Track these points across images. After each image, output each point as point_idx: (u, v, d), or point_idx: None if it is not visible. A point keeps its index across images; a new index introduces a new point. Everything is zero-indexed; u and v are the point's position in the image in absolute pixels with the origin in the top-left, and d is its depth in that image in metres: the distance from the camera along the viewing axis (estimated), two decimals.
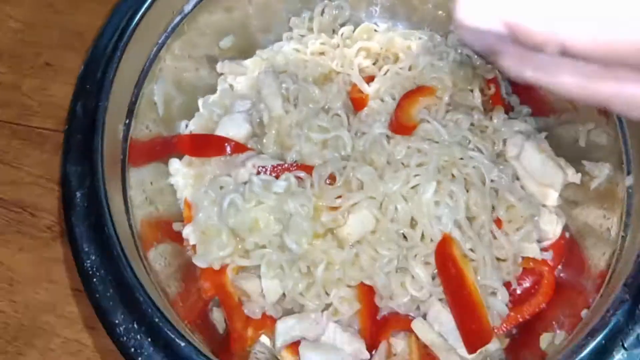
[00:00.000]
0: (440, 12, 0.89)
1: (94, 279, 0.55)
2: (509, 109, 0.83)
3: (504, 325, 0.65)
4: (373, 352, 0.67)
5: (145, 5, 0.71)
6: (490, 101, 0.84)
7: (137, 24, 0.70)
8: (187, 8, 0.77)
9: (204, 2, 0.78)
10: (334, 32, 0.89)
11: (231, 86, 0.86)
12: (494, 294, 0.65)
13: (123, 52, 0.69)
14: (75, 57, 0.91)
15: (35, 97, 0.88)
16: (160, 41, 0.75)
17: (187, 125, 0.82)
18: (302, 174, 0.70)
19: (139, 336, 0.51)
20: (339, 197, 0.66)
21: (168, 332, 0.51)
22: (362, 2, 0.91)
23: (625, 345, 0.49)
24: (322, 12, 0.89)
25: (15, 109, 0.87)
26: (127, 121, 0.69)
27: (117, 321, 0.52)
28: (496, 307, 0.64)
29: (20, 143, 0.84)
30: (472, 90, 0.82)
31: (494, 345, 0.63)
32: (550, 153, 0.74)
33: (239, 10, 0.84)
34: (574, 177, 0.71)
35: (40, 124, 0.86)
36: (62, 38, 0.95)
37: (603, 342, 0.49)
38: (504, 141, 0.76)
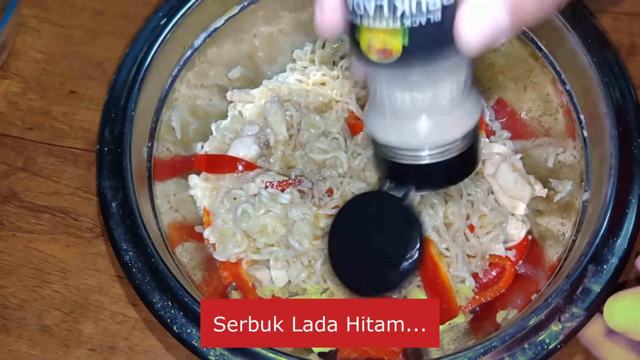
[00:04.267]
0: None
1: (133, 269, 0.73)
2: (491, 134, 0.99)
3: (469, 305, 0.86)
4: None
5: (159, 41, 0.84)
6: None
7: (153, 57, 0.84)
8: (197, 43, 0.90)
9: (212, 37, 0.91)
10: (334, 64, 1.02)
11: (240, 113, 1.01)
12: (463, 282, 0.85)
13: (141, 83, 0.82)
14: (96, 86, 1.07)
15: (66, 122, 1.05)
16: (174, 73, 0.88)
17: (202, 147, 0.97)
18: (304, 188, 0.88)
19: (173, 310, 0.70)
20: (336, 207, 0.85)
21: (196, 307, 0.70)
22: None
23: (562, 319, 0.69)
24: (323, 46, 1.02)
25: (48, 131, 1.04)
26: (149, 144, 0.85)
27: (154, 300, 0.71)
28: (464, 292, 0.85)
29: (57, 161, 1.01)
30: None
31: (460, 319, 0.83)
32: (522, 172, 0.92)
33: (246, 44, 0.97)
34: (541, 192, 0.90)
35: (72, 144, 1.03)
36: (82, 68, 1.09)
37: (543, 317, 0.69)
38: (483, 161, 0.93)
